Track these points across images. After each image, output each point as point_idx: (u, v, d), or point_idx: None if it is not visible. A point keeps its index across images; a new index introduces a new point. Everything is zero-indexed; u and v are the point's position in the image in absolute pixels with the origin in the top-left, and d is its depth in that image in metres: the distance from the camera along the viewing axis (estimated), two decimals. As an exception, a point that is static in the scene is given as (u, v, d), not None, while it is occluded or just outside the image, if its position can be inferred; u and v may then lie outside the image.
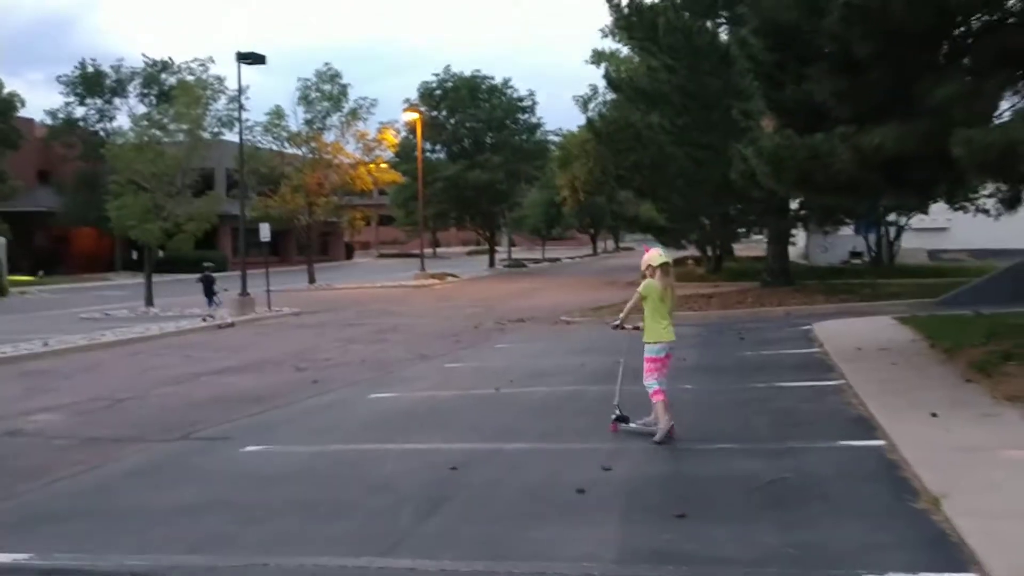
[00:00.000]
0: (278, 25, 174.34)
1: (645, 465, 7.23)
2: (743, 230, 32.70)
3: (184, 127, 29.37)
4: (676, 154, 21.29)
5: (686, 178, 21.91)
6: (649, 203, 28.71)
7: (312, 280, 41.34)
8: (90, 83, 56.09)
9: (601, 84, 36.71)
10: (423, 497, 6.56)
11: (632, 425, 8.41)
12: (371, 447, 8.42)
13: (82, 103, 56.75)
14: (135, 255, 51.68)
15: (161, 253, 52.38)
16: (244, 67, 28.17)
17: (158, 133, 30.07)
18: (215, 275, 27.00)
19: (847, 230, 33.40)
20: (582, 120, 39.55)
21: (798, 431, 8.04)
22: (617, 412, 8.52)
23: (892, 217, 30.92)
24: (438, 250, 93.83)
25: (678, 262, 42.22)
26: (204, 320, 24.49)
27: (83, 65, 55.94)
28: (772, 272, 24.80)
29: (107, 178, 31.75)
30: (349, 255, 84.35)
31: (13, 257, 57.45)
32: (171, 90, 31.44)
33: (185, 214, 29.17)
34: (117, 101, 57.03)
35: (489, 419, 9.53)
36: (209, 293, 26.06)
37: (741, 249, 45.21)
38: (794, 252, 31.34)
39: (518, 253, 75.72)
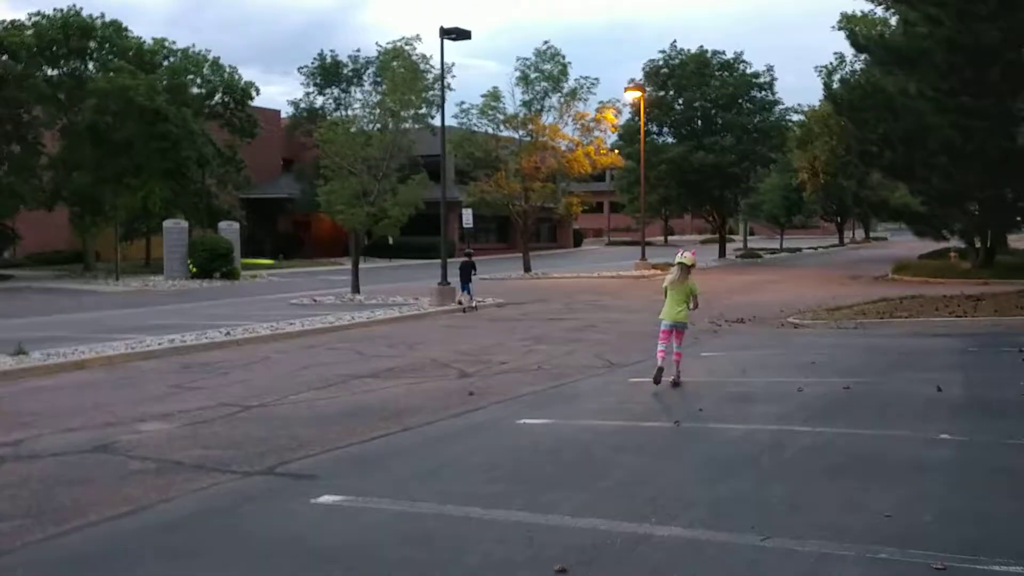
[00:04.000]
0: (515, 16, 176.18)
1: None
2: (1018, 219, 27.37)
3: (390, 109, 28.49)
4: (938, 124, 17.29)
5: (950, 153, 17.81)
6: (902, 186, 24.37)
7: (528, 268, 39.78)
8: (328, 73, 57.75)
9: (849, 52, 32.29)
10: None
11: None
12: (473, 512, 6.11)
13: (321, 93, 58.62)
14: (366, 240, 52.50)
15: (390, 240, 53.45)
16: (453, 46, 26.88)
17: (365, 117, 29.50)
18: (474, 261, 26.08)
19: None
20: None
21: None
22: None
23: None
24: (670, 238, 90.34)
25: (938, 254, 36.91)
26: (464, 310, 23.88)
27: (322, 56, 57.69)
28: (1063, 269, 20.00)
29: (321, 163, 31.62)
30: (578, 242, 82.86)
31: (257, 241, 60.75)
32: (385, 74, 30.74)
33: (392, 200, 28.32)
34: (354, 90, 58.41)
35: (650, 473, 6.94)
36: (466, 279, 25.10)
37: (1016, 240, 38.81)
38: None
39: (756, 242, 70.87)
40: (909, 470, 6.66)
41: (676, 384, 10.97)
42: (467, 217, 27.50)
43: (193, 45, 44.19)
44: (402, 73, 28.07)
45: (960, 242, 29.64)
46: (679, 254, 11.68)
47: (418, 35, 28.25)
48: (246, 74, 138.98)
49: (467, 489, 6.79)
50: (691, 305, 11.30)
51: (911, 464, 6.81)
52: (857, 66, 31.83)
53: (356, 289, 29.33)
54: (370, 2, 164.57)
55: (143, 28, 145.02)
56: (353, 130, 29.14)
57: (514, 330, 19.37)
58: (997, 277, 27.63)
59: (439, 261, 27.66)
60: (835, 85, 27.67)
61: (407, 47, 27.82)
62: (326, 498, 6.61)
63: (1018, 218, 24.33)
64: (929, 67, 17.57)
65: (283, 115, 64.75)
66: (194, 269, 38.50)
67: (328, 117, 58.07)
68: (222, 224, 40.85)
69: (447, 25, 26.09)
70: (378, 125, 29.44)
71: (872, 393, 10.06)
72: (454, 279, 26.89)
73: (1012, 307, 17.18)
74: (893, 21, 27.32)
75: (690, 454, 7.51)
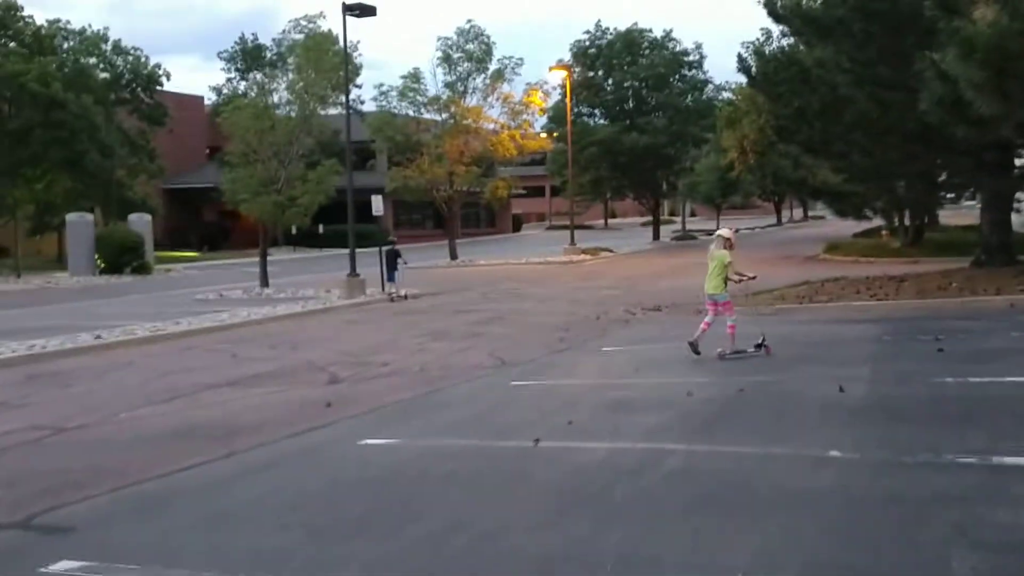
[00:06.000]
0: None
1: None
2: (949, 195, 26.64)
3: (296, 90, 26.94)
4: (854, 96, 16.28)
5: (867, 128, 16.82)
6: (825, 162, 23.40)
7: (454, 256, 38.44)
8: (250, 57, 55.64)
9: (777, 28, 31.33)
10: None
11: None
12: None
13: (243, 78, 56.41)
14: (293, 229, 50.55)
15: (321, 229, 51.62)
16: (361, 24, 25.35)
17: (276, 99, 27.89)
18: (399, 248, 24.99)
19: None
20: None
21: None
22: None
23: None
24: (611, 221, 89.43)
25: (867, 233, 36.24)
26: (392, 299, 23.07)
27: (243, 40, 55.58)
28: (987, 248, 19.19)
29: (226, 150, 29.92)
30: (517, 227, 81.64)
31: (181, 232, 58.50)
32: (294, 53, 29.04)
33: (301, 187, 26.78)
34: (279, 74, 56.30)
35: (476, 514, 5.70)
36: (391, 268, 24.01)
37: (949, 216, 38.33)
38: (1016, 221, 25.06)
39: (697, 224, 70.16)
40: (783, 502, 5.50)
41: (722, 357, 11.11)
42: (377, 204, 26.03)
43: (89, 25, 41.38)
44: (306, 52, 26.54)
45: (883, 221, 28.96)
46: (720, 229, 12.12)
47: (321, 12, 26.74)
48: (185, 63, 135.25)
49: (249, 542, 5.49)
50: (727, 277, 11.46)
51: (788, 494, 5.66)
52: (784, 42, 30.94)
53: (265, 282, 27.77)
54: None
55: (80, 16, 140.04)
56: (276, 112, 27.36)
57: (416, 324, 18.07)
58: (926, 255, 26.97)
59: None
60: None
61: (310, 24, 26.29)
62: (61, 565, 5.24)
63: (943, 194, 23.58)
64: (846, 37, 16.55)
65: (207, 102, 62.45)
66: (102, 264, 36.51)
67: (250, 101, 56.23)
68: (132, 216, 38.85)
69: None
70: (287, 109, 27.85)
71: (767, 395, 8.95)
72: (367, 269, 25.48)
73: (934, 288, 16.30)
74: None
75: (535, 485, 6.29)
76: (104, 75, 40.49)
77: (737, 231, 14.24)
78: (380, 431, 8.50)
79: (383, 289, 24.69)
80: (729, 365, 11.00)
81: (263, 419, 9.41)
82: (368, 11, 24.51)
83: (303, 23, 26.76)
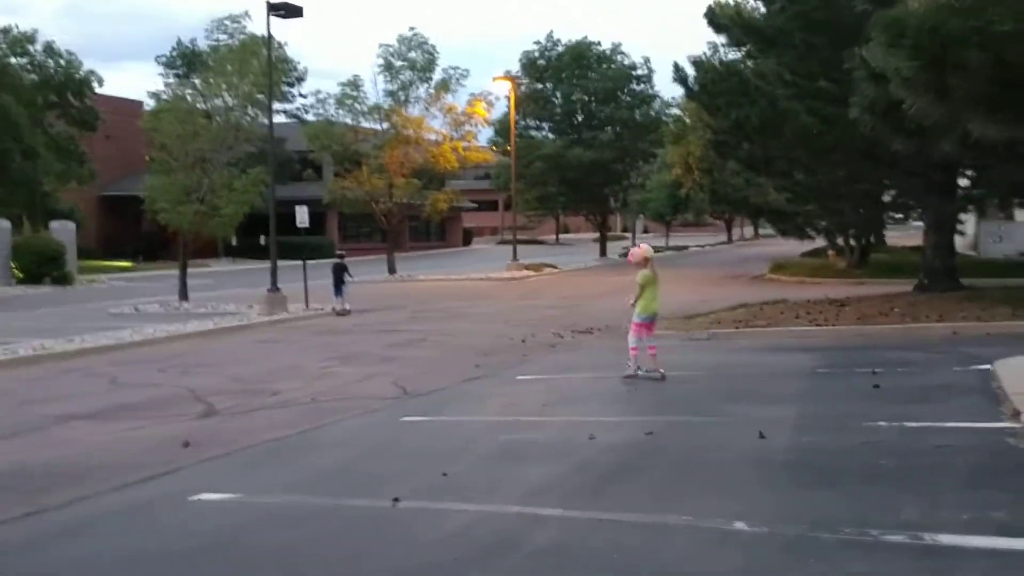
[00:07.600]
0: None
1: None
2: (897, 215, 25.98)
3: (225, 97, 25.56)
4: (794, 110, 15.39)
5: (809, 144, 15.93)
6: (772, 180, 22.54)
7: (392, 271, 37.13)
8: (189, 62, 53.88)
9: (720, 40, 30.54)
10: None
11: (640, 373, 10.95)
12: None
13: (181, 83, 54.59)
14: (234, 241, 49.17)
15: (263, 240, 50.00)
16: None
17: (200, 104, 26.44)
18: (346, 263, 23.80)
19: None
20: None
21: None
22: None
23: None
24: (564, 237, 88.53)
25: (815, 252, 35.68)
26: (337, 314, 22.53)
27: (180, 44, 53.82)
28: (931, 271, 18.42)
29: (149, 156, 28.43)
30: (467, 241, 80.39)
31: (117, 242, 56.41)
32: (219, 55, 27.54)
33: (225, 197, 25.35)
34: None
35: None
36: (338, 283, 23.09)
37: (897, 236, 37.89)
38: (960, 243, 24.43)
39: (649, 241, 69.39)
40: (662, 602, 4.37)
41: (663, 378, 10.88)
42: (301, 215, 24.71)
43: (16, 26, 39.36)
44: (227, 54, 25.21)
45: (826, 241, 28.22)
46: (644, 249, 11.82)
47: (246, 12, 25.41)
48: (142, 69, 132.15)
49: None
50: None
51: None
52: (730, 55, 30.22)
53: (184, 296, 26.23)
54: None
55: (31, 21, 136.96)
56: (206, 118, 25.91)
57: (330, 346, 16.82)
58: (872, 276, 26.32)
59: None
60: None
61: (234, 24, 24.97)
62: None
63: (889, 214, 22.85)
64: (787, 48, 15.69)
65: (147, 107, 60.49)
66: (19, 274, 34.62)
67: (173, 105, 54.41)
68: (54, 224, 37.00)
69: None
70: (223, 116, 26.41)
71: (678, 441, 7.86)
72: (289, 284, 24.14)
73: (875, 314, 15.41)
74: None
75: (369, 569, 5.08)
76: (32, 77, 38.56)
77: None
78: (226, 482, 7.24)
79: (307, 305, 23.44)
80: (645, 400, 9.95)
81: (101, 463, 8.12)
82: (294, 12, 23.22)
83: (227, 23, 25.35)
